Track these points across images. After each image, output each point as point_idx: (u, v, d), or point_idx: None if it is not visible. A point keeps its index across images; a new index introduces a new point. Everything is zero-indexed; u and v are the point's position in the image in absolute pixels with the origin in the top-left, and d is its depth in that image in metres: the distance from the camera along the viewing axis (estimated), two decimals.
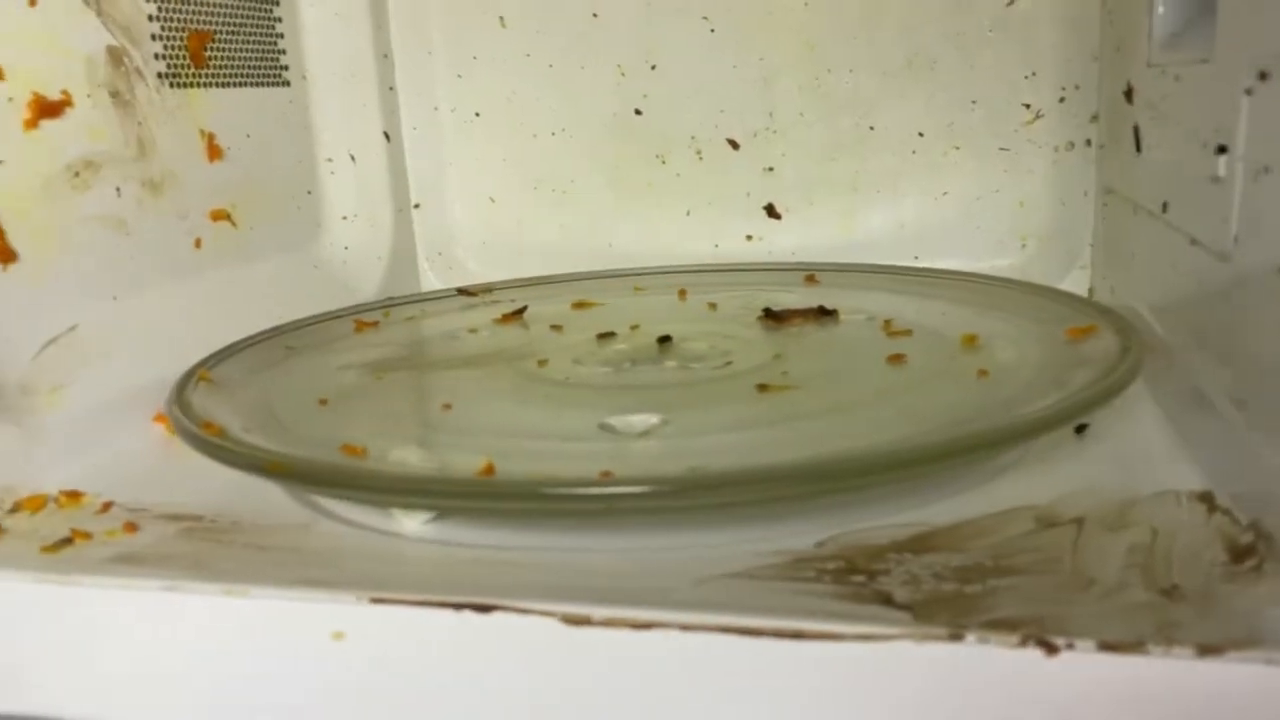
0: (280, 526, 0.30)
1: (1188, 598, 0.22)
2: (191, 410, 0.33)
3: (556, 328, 0.47)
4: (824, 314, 0.45)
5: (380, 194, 0.59)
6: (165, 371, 0.38)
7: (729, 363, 0.40)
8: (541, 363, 0.41)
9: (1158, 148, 0.39)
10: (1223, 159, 0.29)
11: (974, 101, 0.54)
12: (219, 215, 0.47)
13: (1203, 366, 0.33)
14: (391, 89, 0.60)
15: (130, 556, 0.28)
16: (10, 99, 0.36)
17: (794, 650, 0.22)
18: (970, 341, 0.39)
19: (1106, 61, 0.50)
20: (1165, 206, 0.37)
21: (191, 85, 0.45)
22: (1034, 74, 0.53)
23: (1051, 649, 0.21)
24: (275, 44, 0.52)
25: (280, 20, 0.52)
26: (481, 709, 0.24)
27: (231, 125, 0.48)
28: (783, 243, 0.58)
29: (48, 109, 0.37)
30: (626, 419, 0.33)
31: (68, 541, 0.29)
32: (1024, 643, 0.21)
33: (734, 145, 0.58)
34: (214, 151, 0.47)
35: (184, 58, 0.45)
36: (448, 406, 0.36)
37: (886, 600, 0.23)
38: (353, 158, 0.57)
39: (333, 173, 0.56)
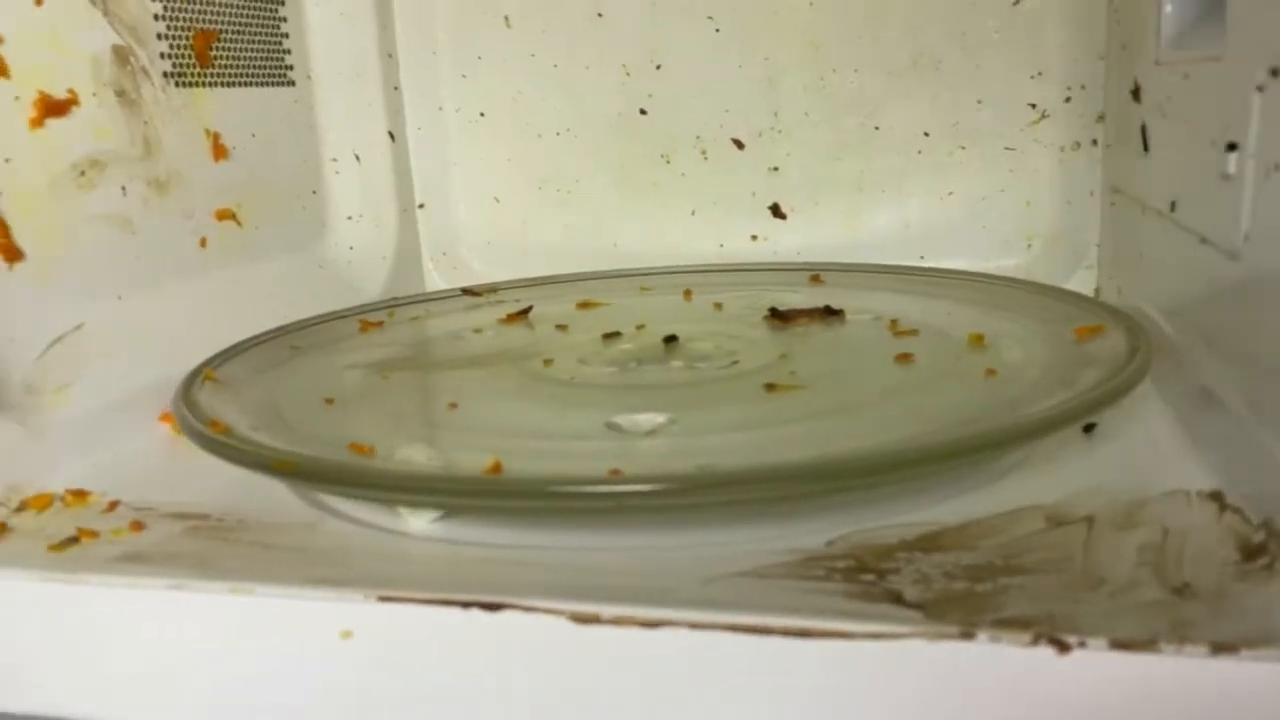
0: (286, 525, 0.30)
1: (1200, 596, 0.22)
2: (198, 409, 0.33)
3: (562, 328, 0.47)
4: (830, 314, 0.45)
5: (385, 194, 0.59)
6: (170, 371, 0.38)
7: (735, 362, 0.40)
8: (547, 362, 0.41)
9: (1166, 146, 0.39)
10: (1233, 156, 0.29)
11: (979, 101, 0.54)
12: (224, 215, 0.47)
13: (1212, 366, 0.33)
14: (396, 89, 0.59)
15: (137, 555, 0.28)
16: (16, 97, 0.36)
17: (804, 649, 0.22)
18: (977, 341, 0.39)
19: (1113, 61, 0.50)
20: (1173, 205, 0.36)
21: (197, 85, 0.45)
22: (1040, 74, 0.53)
23: (1064, 647, 0.21)
24: (280, 43, 0.52)
25: (285, 20, 0.52)
26: (490, 707, 0.24)
27: (237, 125, 0.48)
28: (788, 242, 0.58)
29: (54, 108, 0.37)
30: (633, 418, 0.33)
31: (74, 540, 0.29)
32: (1036, 641, 0.21)
33: (739, 145, 0.58)
34: (219, 151, 0.47)
35: (189, 57, 0.45)
36: (454, 406, 0.36)
37: (897, 599, 0.23)
38: (357, 158, 0.57)
39: (337, 173, 0.56)
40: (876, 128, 0.56)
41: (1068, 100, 0.53)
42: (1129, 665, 0.21)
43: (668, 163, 0.59)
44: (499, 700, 0.24)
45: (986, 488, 0.29)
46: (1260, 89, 0.27)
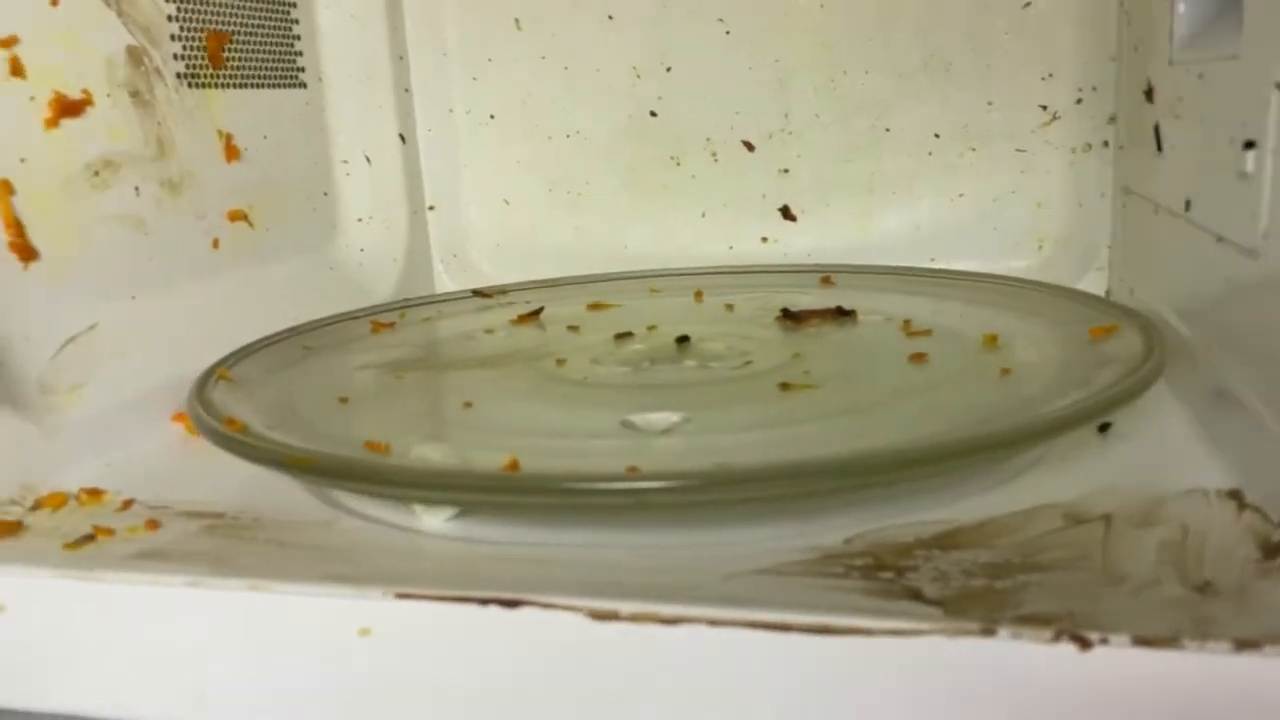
0: (302, 523, 0.30)
1: (1222, 594, 0.22)
2: (213, 408, 0.33)
3: (573, 328, 0.47)
4: (842, 314, 0.45)
5: (395, 196, 0.59)
6: (182, 371, 0.38)
7: (748, 362, 0.40)
8: (560, 362, 0.41)
9: (1180, 146, 0.38)
10: (1251, 154, 0.29)
11: (990, 103, 0.54)
12: (236, 216, 0.47)
13: (1229, 365, 0.32)
14: (407, 91, 0.60)
15: (153, 553, 0.28)
16: (32, 98, 0.36)
17: (824, 646, 0.22)
18: (991, 341, 0.39)
19: (1124, 62, 0.50)
20: (1188, 205, 0.36)
21: (210, 86, 0.45)
22: (1051, 75, 0.53)
23: (1085, 644, 0.21)
24: (292, 45, 0.52)
25: (297, 22, 0.52)
26: (508, 704, 0.24)
27: (249, 126, 0.48)
28: (798, 244, 0.58)
29: (68, 108, 0.37)
30: (648, 417, 0.33)
31: (90, 538, 0.29)
32: (1058, 638, 0.21)
33: (749, 147, 0.58)
34: (231, 152, 0.47)
35: (202, 58, 0.45)
36: (468, 405, 0.36)
37: (916, 596, 0.23)
38: (368, 159, 0.57)
39: (348, 174, 0.56)
40: (887, 129, 0.56)
41: (1079, 102, 0.53)
42: (1151, 662, 0.20)
43: (678, 165, 0.59)
44: (517, 697, 0.24)
45: (1002, 487, 0.29)
46: (1279, 86, 0.27)
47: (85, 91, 0.38)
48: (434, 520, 0.29)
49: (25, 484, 0.32)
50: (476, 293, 0.54)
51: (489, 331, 0.47)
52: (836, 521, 0.27)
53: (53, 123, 0.37)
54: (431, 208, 0.62)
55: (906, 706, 0.22)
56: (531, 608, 0.23)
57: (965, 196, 0.55)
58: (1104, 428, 0.33)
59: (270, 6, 0.50)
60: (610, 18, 0.58)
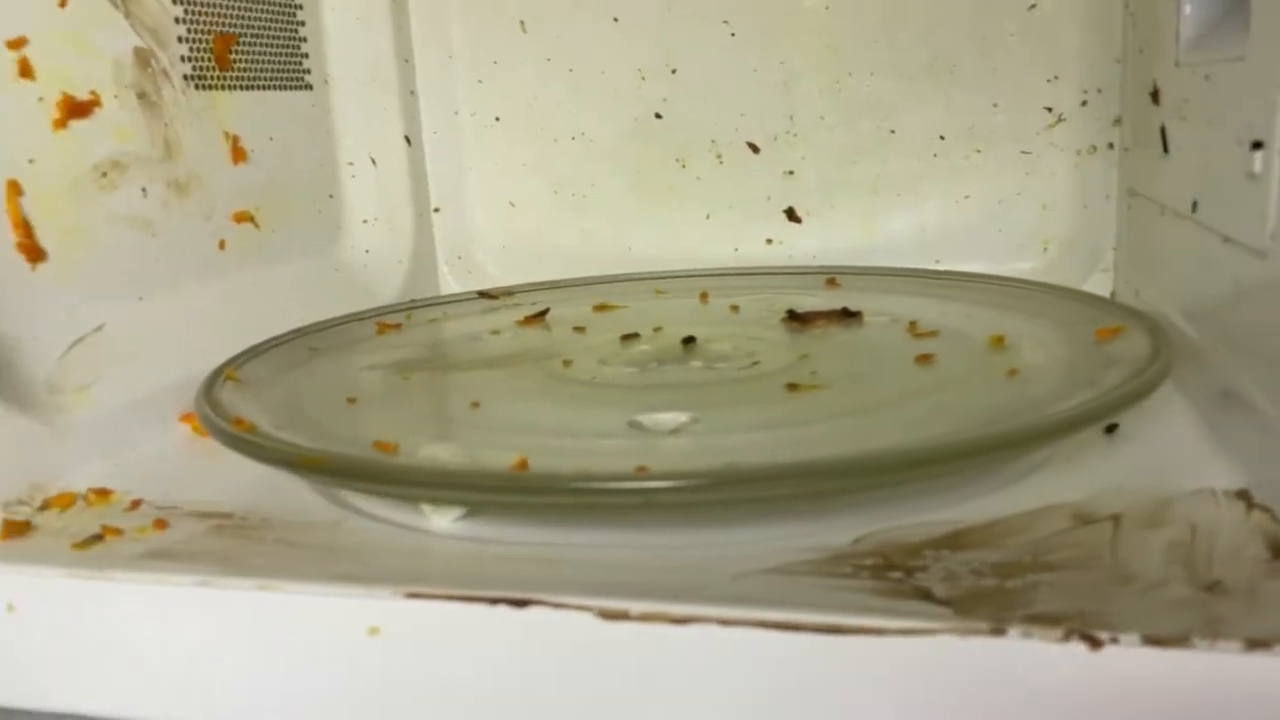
0: (310, 524, 0.30)
1: (1231, 593, 0.22)
2: (221, 408, 0.33)
3: (579, 329, 0.47)
4: (848, 315, 0.45)
5: (401, 198, 0.59)
6: (188, 372, 0.38)
7: (755, 363, 0.40)
8: (566, 363, 0.41)
9: (1187, 148, 0.39)
10: (1259, 155, 0.29)
11: (995, 105, 0.54)
12: (242, 217, 0.47)
13: (1236, 365, 0.32)
14: (412, 93, 0.60)
15: (162, 553, 0.28)
16: (40, 99, 0.36)
17: (834, 645, 0.22)
18: (998, 342, 0.39)
19: (1129, 64, 0.50)
20: (1195, 206, 0.36)
21: (216, 88, 0.46)
22: (1056, 77, 0.53)
23: (1096, 643, 0.21)
24: (298, 47, 0.52)
25: (303, 24, 0.53)
26: (518, 703, 0.24)
27: (255, 128, 0.48)
28: (803, 246, 0.58)
29: (76, 109, 0.38)
30: (656, 417, 0.33)
31: (98, 538, 0.29)
32: (1068, 637, 0.21)
33: (754, 149, 0.58)
34: (238, 154, 0.47)
35: (209, 60, 0.45)
36: (475, 405, 0.36)
37: (926, 595, 0.23)
38: (374, 161, 0.57)
39: (354, 176, 0.56)
40: (892, 131, 0.56)
41: (1084, 104, 0.53)
42: (1162, 661, 0.20)
43: (683, 167, 0.59)
44: (527, 696, 0.24)
45: (1009, 488, 0.29)
46: None
47: (93, 93, 0.38)
48: (442, 520, 0.29)
49: (33, 484, 0.33)
50: (482, 294, 0.54)
51: (495, 332, 0.48)
52: (844, 522, 0.27)
53: (61, 124, 0.37)
54: (437, 210, 0.62)
55: (917, 706, 0.22)
56: (541, 607, 0.23)
57: (970, 198, 0.55)
58: (1111, 429, 0.33)
59: (276, 8, 0.50)
60: (615, 20, 0.58)
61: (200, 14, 0.45)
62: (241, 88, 0.47)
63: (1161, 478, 0.29)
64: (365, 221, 0.57)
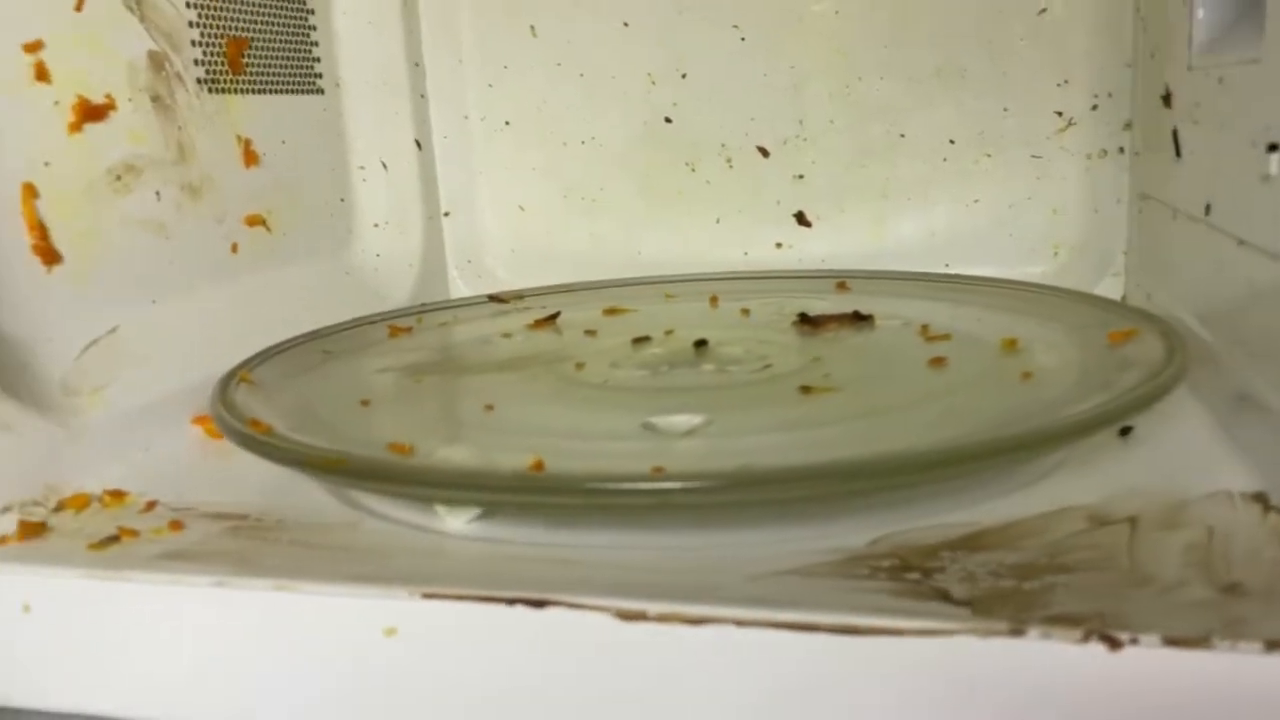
0: (326, 525, 0.30)
1: (1250, 595, 0.22)
2: (235, 410, 0.33)
3: (590, 333, 0.47)
4: (860, 319, 0.45)
5: (411, 202, 0.59)
6: (201, 374, 0.39)
7: (768, 366, 0.40)
8: (578, 366, 0.41)
9: (1199, 151, 0.39)
10: (1274, 157, 0.29)
11: (1005, 109, 0.54)
12: (254, 220, 0.47)
13: (1251, 368, 0.32)
14: (423, 97, 0.60)
15: (178, 553, 0.28)
16: (56, 102, 0.36)
17: (852, 646, 0.22)
18: (1010, 345, 0.39)
19: (1140, 68, 0.50)
20: (1208, 209, 0.36)
21: (229, 91, 0.46)
22: (1066, 81, 0.53)
23: (1115, 644, 0.21)
24: (310, 51, 0.52)
25: (315, 28, 0.53)
26: (535, 703, 0.24)
27: (267, 131, 0.48)
28: (813, 250, 0.58)
29: (91, 112, 0.38)
30: (669, 419, 0.33)
31: (114, 539, 0.29)
32: (1087, 638, 0.21)
33: (764, 153, 0.58)
34: (250, 157, 0.47)
35: (222, 64, 0.45)
36: (489, 408, 0.36)
37: (944, 596, 0.23)
38: (385, 165, 0.57)
39: (365, 180, 0.57)
40: (902, 135, 0.56)
41: (1094, 108, 0.53)
42: (1182, 662, 0.20)
43: (693, 171, 0.59)
44: (544, 697, 0.24)
45: (1024, 490, 0.29)
46: None
47: (108, 96, 0.38)
48: (457, 522, 0.29)
49: (49, 485, 0.33)
50: (492, 298, 0.54)
51: (506, 336, 0.48)
52: (860, 523, 0.27)
53: (76, 127, 0.37)
54: (447, 213, 0.62)
55: (935, 706, 0.22)
56: (559, 608, 0.23)
57: (980, 202, 0.55)
58: (1125, 431, 0.33)
59: (288, 12, 0.50)
60: (625, 24, 0.58)
61: (213, 17, 0.45)
62: (254, 91, 0.48)
63: (1177, 480, 0.29)
64: (376, 225, 0.57)
